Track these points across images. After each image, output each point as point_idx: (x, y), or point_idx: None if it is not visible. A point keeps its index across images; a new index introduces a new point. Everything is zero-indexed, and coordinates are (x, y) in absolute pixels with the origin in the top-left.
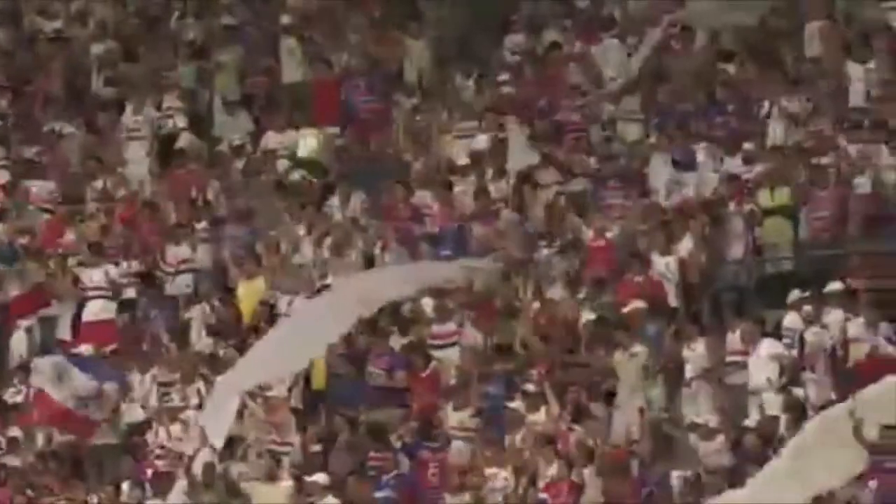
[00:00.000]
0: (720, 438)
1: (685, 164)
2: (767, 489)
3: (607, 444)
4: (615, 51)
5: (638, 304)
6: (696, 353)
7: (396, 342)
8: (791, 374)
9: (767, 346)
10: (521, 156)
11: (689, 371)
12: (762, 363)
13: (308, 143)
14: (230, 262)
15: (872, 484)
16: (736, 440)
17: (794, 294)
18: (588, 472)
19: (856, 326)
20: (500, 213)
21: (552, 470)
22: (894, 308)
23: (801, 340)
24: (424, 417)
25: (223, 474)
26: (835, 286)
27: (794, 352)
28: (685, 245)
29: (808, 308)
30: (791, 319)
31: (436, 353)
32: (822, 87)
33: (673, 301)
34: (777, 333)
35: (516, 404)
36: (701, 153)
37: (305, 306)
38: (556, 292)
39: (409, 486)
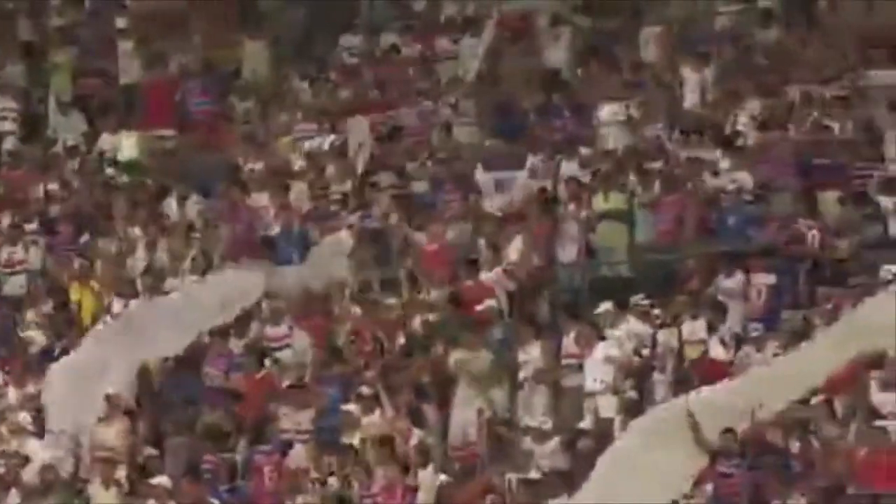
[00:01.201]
0: (555, 440)
1: (520, 167)
2: (602, 491)
3: (446, 446)
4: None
5: (489, 303)
6: (531, 356)
7: (236, 343)
8: (626, 376)
9: (603, 349)
10: (365, 154)
11: (523, 373)
12: (598, 365)
13: (129, 145)
14: (60, 264)
15: (708, 487)
16: (570, 442)
17: (637, 297)
18: (424, 474)
19: (693, 327)
20: (339, 215)
21: (388, 472)
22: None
23: (654, 341)
24: (259, 420)
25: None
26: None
27: (646, 352)
28: (514, 247)
29: (650, 310)
30: (632, 322)
31: (271, 356)
32: (656, 92)
33: (503, 304)
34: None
35: (352, 407)
36: (536, 156)
37: (145, 308)
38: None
39: (245, 490)
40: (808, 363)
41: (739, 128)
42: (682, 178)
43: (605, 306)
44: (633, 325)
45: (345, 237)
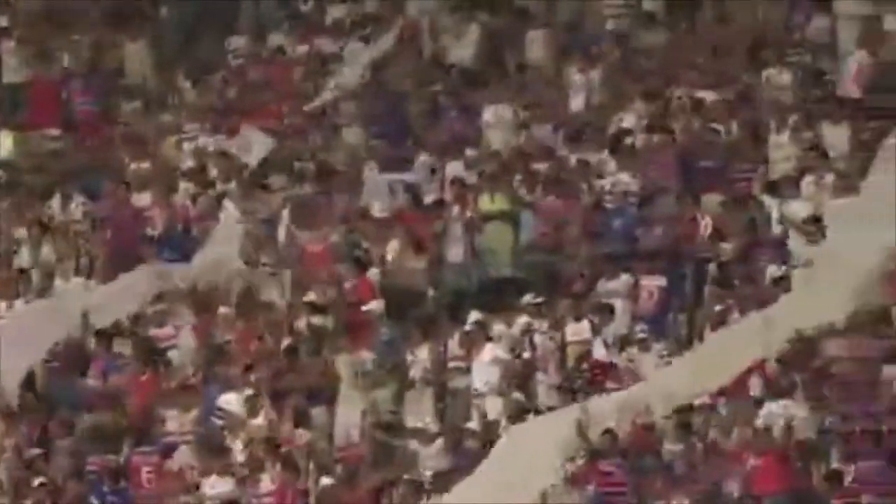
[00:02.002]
0: (440, 442)
1: (405, 168)
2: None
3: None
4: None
5: (374, 305)
6: (418, 357)
7: (124, 344)
8: (513, 377)
9: (490, 350)
10: (258, 152)
11: (412, 375)
12: (485, 367)
13: (6, 144)
14: None
15: (590, 487)
16: (456, 443)
17: (526, 298)
18: (313, 476)
19: (576, 329)
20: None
21: (277, 475)
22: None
23: (532, 343)
24: (142, 421)
25: None
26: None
27: (526, 355)
28: (391, 249)
29: (537, 311)
30: (520, 323)
31: (157, 356)
32: (542, 94)
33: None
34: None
35: (235, 408)
36: (421, 158)
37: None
38: (274, 296)
39: (129, 492)
40: (697, 368)
41: (626, 129)
42: (569, 180)
43: (479, 312)
44: (515, 327)
45: (233, 233)
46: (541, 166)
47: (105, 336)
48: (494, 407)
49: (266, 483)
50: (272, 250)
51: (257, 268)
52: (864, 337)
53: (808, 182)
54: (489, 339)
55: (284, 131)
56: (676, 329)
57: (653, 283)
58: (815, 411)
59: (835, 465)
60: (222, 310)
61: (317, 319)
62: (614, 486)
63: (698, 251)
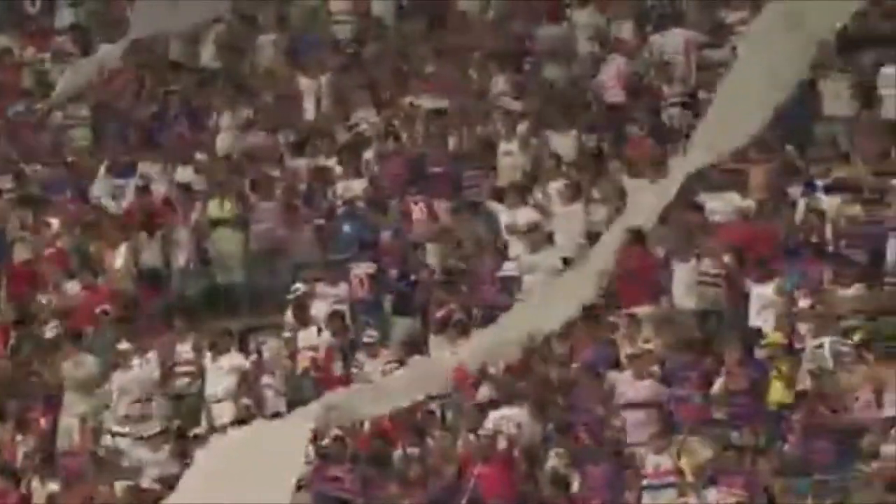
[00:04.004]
0: (166, 448)
1: (127, 173)
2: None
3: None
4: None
5: (101, 310)
6: (147, 363)
7: None
8: (249, 383)
9: (229, 357)
10: None
11: (140, 380)
12: (219, 372)
13: None
14: None
15: (320, 491)
16: (182, 449)
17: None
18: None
19: (304, 335)
20: None
21: None
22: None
23: (259, 350)
24: None
25: None
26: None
27: (253, 360)
28: (119, 255)
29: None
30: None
31: None
32: (272, 100)
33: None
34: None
35: None
36: (149, 161)
37: None
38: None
39: None
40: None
41: (356, 135)
42: (297, 186)
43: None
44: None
45: None
46: (272, 172)
47: None
48: (223, 413)
49: None
50: None
51: None
52: (585, 343)
53: (536, 189)
54: (214, 344)
55: (11, 132)
56: (402, 333)
57: (362, 270)
58: (539, 418)
59: (561, 470)
60: None
61: (43, 324)
62: (344, 492)
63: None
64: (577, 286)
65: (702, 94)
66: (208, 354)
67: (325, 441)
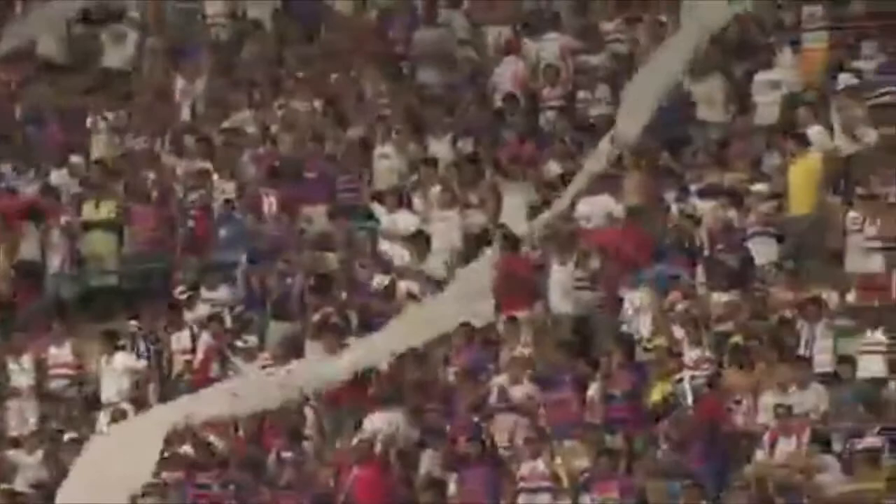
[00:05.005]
0: (39, 453)
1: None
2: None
3: None
4: None
5: None
6: (24, 366)
7: None
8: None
9: (122, 359)
10: None
11: (14, 382)
12: (115, 375)
13: None
14: None
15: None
16: (54, 454)
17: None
18: None
19: (179, 338)
20: None
21: None
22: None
23: (139, 352)
24: None
25: None
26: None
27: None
28: None
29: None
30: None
31: None
32: (148, 101)
33: None
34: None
35: None
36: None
37: None
38: None
39: None
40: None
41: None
42: (172, 188)
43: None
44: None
45: None
46: (148, 175)
47: None
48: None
49: None
50: None
51: None
52: (469, 347)
53: (416, 194)
54: (118, 347)
55: None
56: (279, 337)
57: (239, 273)
58: (414, 422)
59: (437, 474)
60: None
61: None
62: (211, 499)
63: (304, 260)
64: (459, 294)
65: (580, 97)
66: (104, 357)
67: (186, 447)
